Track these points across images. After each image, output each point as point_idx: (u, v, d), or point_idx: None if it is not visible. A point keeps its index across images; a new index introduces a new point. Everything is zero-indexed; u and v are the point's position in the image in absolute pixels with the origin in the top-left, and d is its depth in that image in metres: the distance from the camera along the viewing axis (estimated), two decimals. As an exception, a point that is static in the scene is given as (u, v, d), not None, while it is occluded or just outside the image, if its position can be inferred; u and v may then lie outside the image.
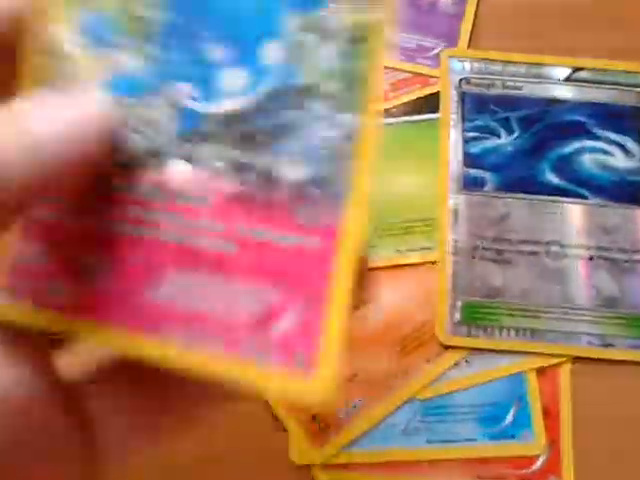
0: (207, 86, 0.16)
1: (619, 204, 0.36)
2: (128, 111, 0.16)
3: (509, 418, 0.33)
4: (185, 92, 0.16)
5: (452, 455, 0.32)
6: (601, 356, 0.33)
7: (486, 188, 0.37)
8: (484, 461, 0.32)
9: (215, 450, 0.31)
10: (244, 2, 0.16)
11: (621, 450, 0.32)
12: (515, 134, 0.38)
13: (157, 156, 0.16)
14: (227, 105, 0.16)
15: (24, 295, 0.15)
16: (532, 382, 0.34)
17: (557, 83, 0.39)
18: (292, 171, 0.15)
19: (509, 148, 0.38)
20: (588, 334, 0.34)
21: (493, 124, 0.38)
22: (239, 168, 0.15)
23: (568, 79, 0.39)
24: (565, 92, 0.39)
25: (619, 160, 0.37)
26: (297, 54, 0.15)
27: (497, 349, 0.34)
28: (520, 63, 0.40)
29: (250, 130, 0.15)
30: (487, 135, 0.38)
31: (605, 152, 0.37)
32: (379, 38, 0.15)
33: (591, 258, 0.35)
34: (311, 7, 0.15)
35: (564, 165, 0.37)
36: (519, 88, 0.39)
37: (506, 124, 0.38)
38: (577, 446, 0.32)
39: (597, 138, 0.38)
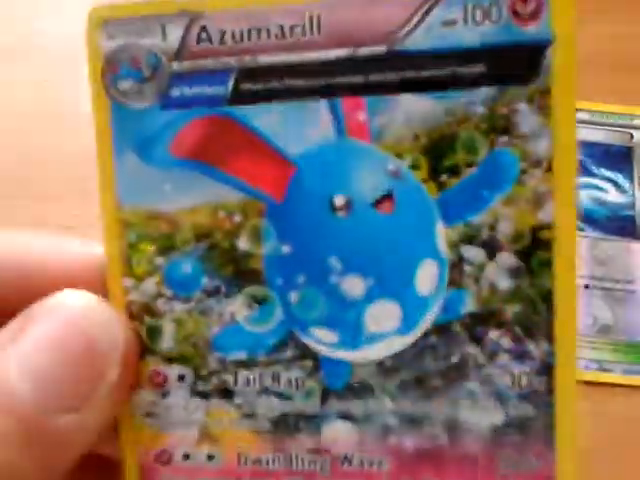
0: (349, 328, 0.13)
1: (612, 237, 0.37)
2: (254, 373, 0.13)
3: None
4: (322, 339, 0.13)
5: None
6: (597, 380, 0.34)
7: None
8: None
9: None
10: (384, 219, 0.13)
11: (617, 470, 0.32)
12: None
13: (306, 419, 0.13)
14: (380, 349, 0.13)
15: None
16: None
17: (557, 123, 0.39)
18: (483, 417, 0.13)
19: (513, 183, 0.40)
20: (585, 359, 0.35)
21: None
22: (415, 421, 0.13)
23: (567, 120, 0.39)
24: (564, 131, 0.39)
25: (612, 196, 0.38)
26: (460, 275, 0.13)
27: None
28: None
29: (417, 376, 0.13)
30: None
31: (600, 188, 0.39)
32: (564, 242, 0.12)
33: (587, 287, 0.36)
34: (471, 213, 0.13)
35: (562, 200, 0.38)
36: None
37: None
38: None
39: (592, 175, 0.39)
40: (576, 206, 0.12)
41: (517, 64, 0.12)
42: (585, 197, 0.38)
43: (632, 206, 0.38)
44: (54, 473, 0.13)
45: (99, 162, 0.14)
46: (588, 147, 0.40)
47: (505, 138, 0.12)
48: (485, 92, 0.12)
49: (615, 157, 0.39)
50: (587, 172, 0.39)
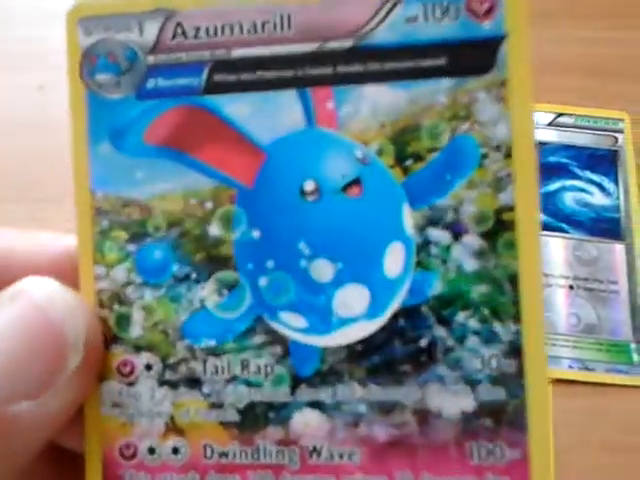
0: (319, 313, 0.13)
1: (597, 238, 0.38)
2: (222, 361, 0.13)
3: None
4: (292, 324, 0.13)
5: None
6: (580, 379, 0.35)
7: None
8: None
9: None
10: (352, 203, 0.13)
11: (598, 465, 0.33)
12: (504, 173, 0.41)
13: (275, 409, 0.13)
14: (350, 334, 0.13)
15: None
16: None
17: (542, 127, 0.41)
18: (453, 402, 0.13)
19: (498, 186, 0.42)
20: (569, 358, 0.36)
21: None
22: (386, 409, 0.13)
23: (551, 124, 0.41)
24: (549, 135, 0.41)
25: (597, 198, 0.39)
26: (427, 257, 0.13)
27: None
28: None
29: (386, 361, 0.13)
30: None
31: (584, 191, 0.40)
32: (526, 224, 0.12)
33: (571, 287, 0.37)
34: (435, 196, 0.13)
35: (547, 202, 0.39)
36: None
37: (495, 164, 0.42)
38: (558, 462, 0.33)
39: (577, 178, 0.40)
40: (536, 189, 0.13)
41: (474, 57, 0.13)
42: (570, 199, 0.39)
43: (617, 209, 0.39)
44: (11, 462, 0.12)
45: (74, 151, 0.14)
46: (573, 150, 0.40)
47: (466, 125, 0.13)
48: (446, 82, 0.13)
49: (600, 160, 0.40)
50: (572, 175, 0.40)
